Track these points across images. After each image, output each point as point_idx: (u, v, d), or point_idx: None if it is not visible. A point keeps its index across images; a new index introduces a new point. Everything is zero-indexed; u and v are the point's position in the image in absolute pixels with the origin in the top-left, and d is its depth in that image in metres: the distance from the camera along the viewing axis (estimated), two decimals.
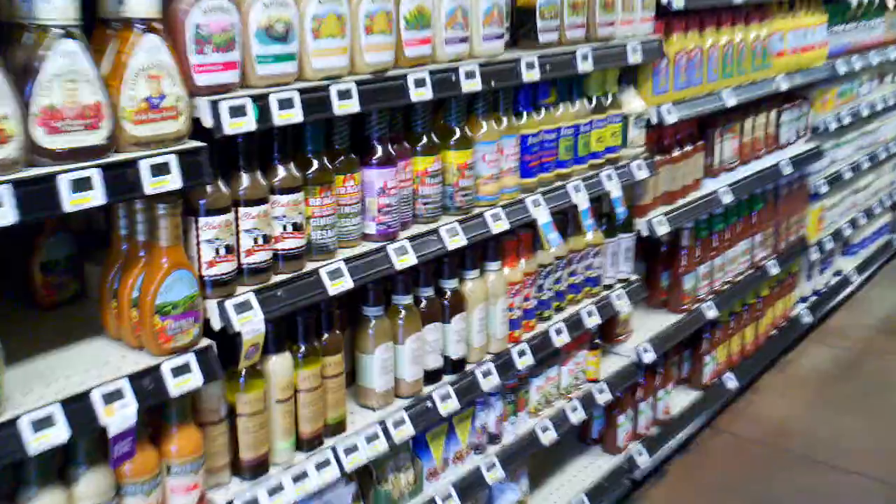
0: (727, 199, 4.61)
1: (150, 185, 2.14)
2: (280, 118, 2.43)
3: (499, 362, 3.38)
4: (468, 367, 3.28)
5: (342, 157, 2.75)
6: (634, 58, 3.75)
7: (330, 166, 2.70)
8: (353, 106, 2.61)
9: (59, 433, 2.03)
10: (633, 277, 4.15)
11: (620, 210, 3.79)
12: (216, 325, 2.38)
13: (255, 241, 2.48)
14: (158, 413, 2.36)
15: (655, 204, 4.24)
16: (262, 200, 2.49)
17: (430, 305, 3.11)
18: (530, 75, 3.23)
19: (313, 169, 2.65)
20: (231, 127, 2.32)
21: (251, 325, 2.42)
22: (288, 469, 2.67)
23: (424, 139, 3.02)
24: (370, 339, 2.93)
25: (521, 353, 3.47)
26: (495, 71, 3.10)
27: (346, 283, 2.68)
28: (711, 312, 4.70)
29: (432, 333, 3.11)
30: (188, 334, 2.29)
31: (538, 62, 3.27)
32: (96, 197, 2.02)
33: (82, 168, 2.01)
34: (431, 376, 3.15)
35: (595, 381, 4.01)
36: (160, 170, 2.16)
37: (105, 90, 2.06)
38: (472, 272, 3.26)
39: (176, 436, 2.36)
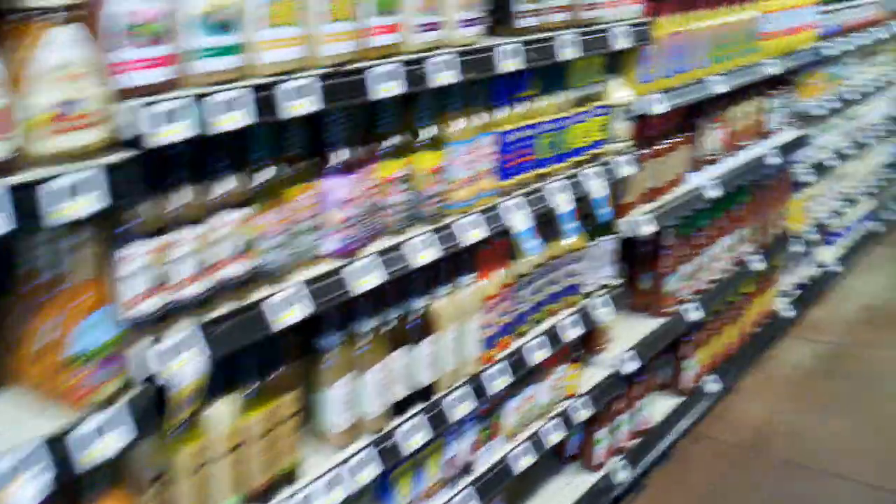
0: (713, 193, 4.31)
1: (65, 210, 1.77)
2: (225, 122, 2.07)
3: (473, 386, 3.06)
4: (439, 394, 2.96)
5: (296, 165, 2.39)
6: (622, 43, 3.42)
7: (282, 176, 2.34)
8: (311, 105, 2.25)
9: None
10: (616, 282, 3.85)
11: (604, 211, 3.47)
12: (147, 371, 2.02)
13: (193, 269, 2.12)
14: (74, 482, 2.01)
15: (639, 202, 3.93)
16: (203, 220, 2.12)
17: (397, 329, 2.78)
18: (510, 64, 2.89)
19: (262, 180, 2.29)
20: (165, 135, 1.95)
21: (189, 368, 2.07)
22: None
23: (391, 141, 2.66)
24: (328, 373, 2.59)
25: (497, 375, 3.15)
26: (471, 61, 2.75)
27: (303, 312, 2.34)
28: (695, 315, 4.42)
29: (399, 360, 2.78)
30: (111, 385, 1.93)
31: (516, 50, 2.92)
32: None
33: None
34: (398, 407, 2.82)
35: (575, 396, 3.71)
36: (77, 189, 1.79)
37: (9, 95, 1.69)
38: (444, 288, 2.93)
39: None
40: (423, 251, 2.70)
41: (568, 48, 3.13)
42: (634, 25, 3.50)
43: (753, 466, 4.47)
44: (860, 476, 4.35)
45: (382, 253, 2.60)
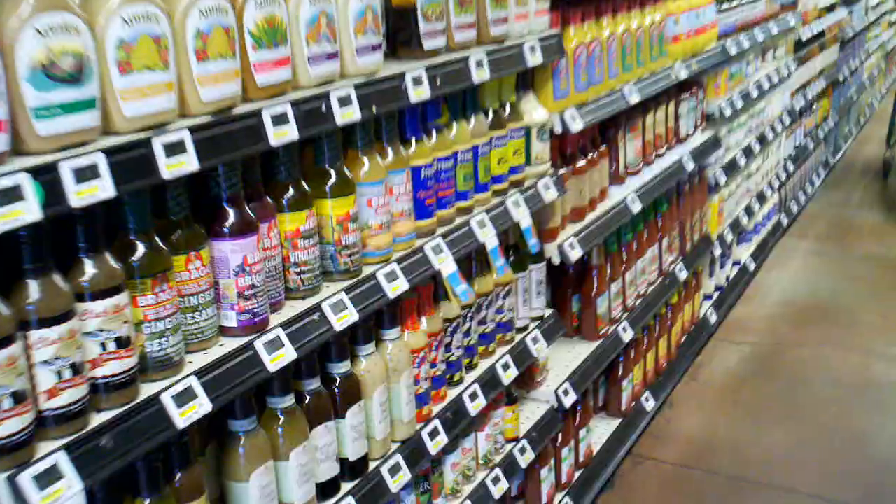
0: (636, 207, 3.99)
1: None
2: (79, 196, 1.61)
3: (407, 451, 2.64)
4: (371, 467, 2.53)
5: (181, 231, 1.95)
6: (534, 59, 3.06)
7: (164, 247, 1.89)
8: (187, 164, 1.81)
9: None
10: (547, 313, 3.48)
11: (533, 242, 3.10)
12: None
13: (60, 374, 1.66)
14: None
15: (564, 224, 3.57)
16: (64, 315, 1.66)
17: (318, 401, 2.34)
18: (419, 93, 2.49)
19: (140, 254, 1.84)
20: (1, 220, 1.49)
21: (64, 500, 1.60)
22: None
23: (291, 190, 2.23)
24: (242, 463, 2.14)
25: (434, 434, 2.74)
26: (376, 92, 2.35)
27: (203, 407, 1.89)
28: (628, 334, 4.09)
29: (324, 436, 2.35)
30: None
31: (426, 76, 2.53)
32: None
33: None
34: (326, 489, 2.39)
35: (515, 439, 3.32)
36: None
37: None
38: (366, 347, 2.50)
39: None
40: (341, 312, 2.27)
41: (482, 69, 2.75)
42: (545, 39, 3.14)
43: (699, 487, 4.17)
44: (808, 488, 4.08)
45: (294, 321, 2.16)
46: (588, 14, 3.53)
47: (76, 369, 1.68)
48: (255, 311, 2.08)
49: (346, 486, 2.44)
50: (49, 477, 1.60)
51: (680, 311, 4.92)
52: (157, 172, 1.76)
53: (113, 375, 1.76)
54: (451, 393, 2.90)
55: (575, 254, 3.45)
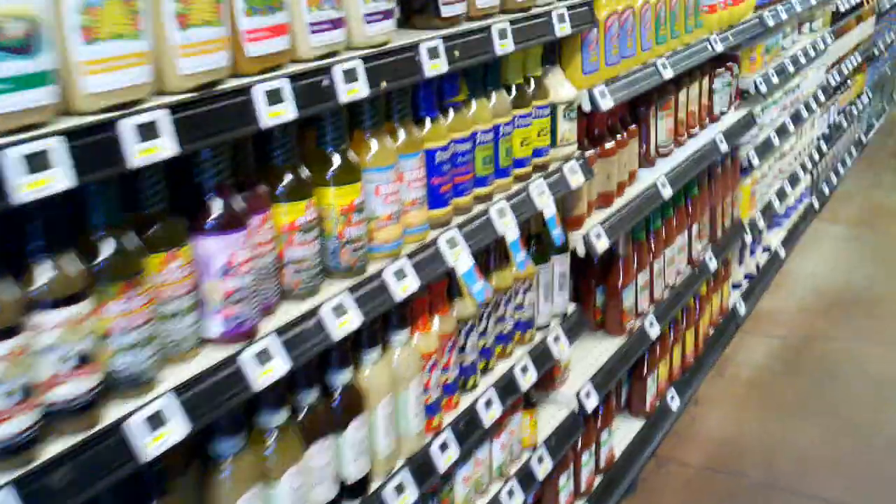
0: (667, 192, 3.72)
1: None
2: (31, 188, 1.36)
3: (415, 467, 2.40)
4: (373, 487, 2.29)
5: (158, 226, 1.70)
6: (563, 28, 2.78)
7: (136, 245, 1.64)
8: (162, 149, 1.56)
9: None
10: (571, 309, 3.23)
11: (557, 232, 2.84)
12: None
13: (7, 398, 1.42)
14: None
15: (591, 210, 3.31)
16: (10, 330, 1.42)
17: (315, 415, 2.10)
18: (435, 66, 2.23)
19: (106, 255, 1.59)
20: None
21: None
22: None
23: (289, 177, 1.98)
24: (226, 489, 1.90)
25: (444, 447, 2.50)
26: (387, 65, 2.08)
27: (176, 432, 1.65)
28: (654, 329, 3.83)
29: (321, 455, 2.11)
30: None
31: (443, 47, 2.26)
32: None
33: None
34: None
35: (532, 447, 3.08)
36: None
37: None
38: (371, 353, 2.26)
39: None
40: (342, 317, 2.02)
41: (506, 39, 2.48)
42: (574, 6, 2.86)
43: (725, 492, 3.93)
44: (842, 496, 3.84)
45: (288, 328, 1.92)
46: None
47: (27, 392, 1.44)
48: (244, 317, 1.83)
49: None
50: None
51: (708, 301, 4.67)
52: (126, 159, 1.50)
53: (71, 399, 1.52)
54: (465, 400, 2.66)
55: (602, 244, 3.19)
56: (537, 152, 2.84)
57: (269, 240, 1.92)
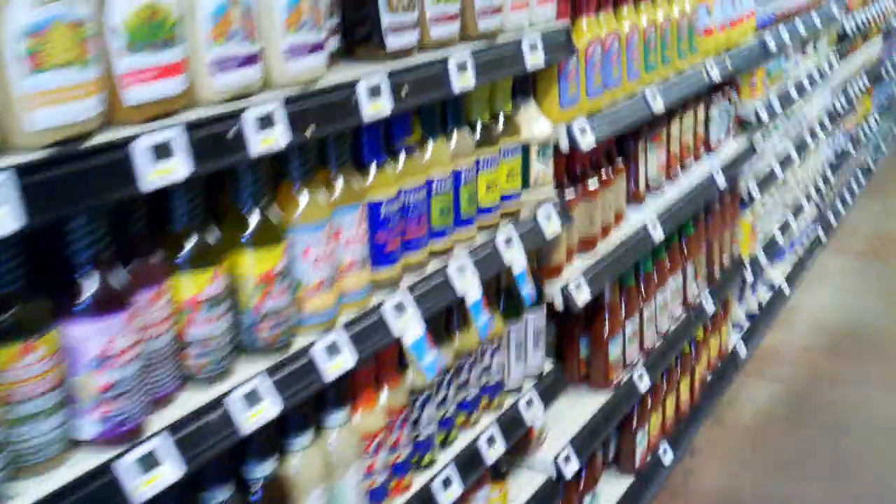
0: (658, 233, 3.40)
1: None
2: None
3: None
4: None
5: (12, 311, 1.39)
6: (534, 59, 2.48)
7: None
8: (7, 222, 1.25)
9: None
10: (547, 368, 2.91)
11: (527, 291, 2.52)
12: None
13: None
14: None
15: (570, 257, 2.99)
16: None
17: None
18: (376, 107, 1.92)
19: None
20: None
21: None
22: None
23: (192, 241, 1.67)
24: None
25: None
26: (315, 108, 1.78)
27: None
28: (644, 382, 3.51)
29: None
30: None
31: (388, 85, 1.95)
32: None
33: None
34: None
35: None
36: None
37: None
38: (300, 438, 1.94)
39: None
40: (256, 405, 1.71)
41: (466, 73, 2.17)
42: (549, 34, 2.56)
43: None
44: None
45: (185, 423, 1.60)
46: (604, 2, 2.94)
47: None
48: (126, 414, 1.52)
49: None
50: None
51: (705, 346, 4.34)
52: None
53: None
54: (420, 480, 2.34)
55: (582, 296, 2.88)
56: (506, 197, 2.53)
57: (163, 318, 1.61)
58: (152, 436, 1.55)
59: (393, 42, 2.02)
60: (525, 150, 2.59)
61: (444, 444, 2.46)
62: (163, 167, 1.47)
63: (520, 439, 2.84)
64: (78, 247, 1.46)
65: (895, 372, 4.95)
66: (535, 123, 2.63)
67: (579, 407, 3.27)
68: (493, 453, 2.54)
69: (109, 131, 1.43)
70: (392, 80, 1.97)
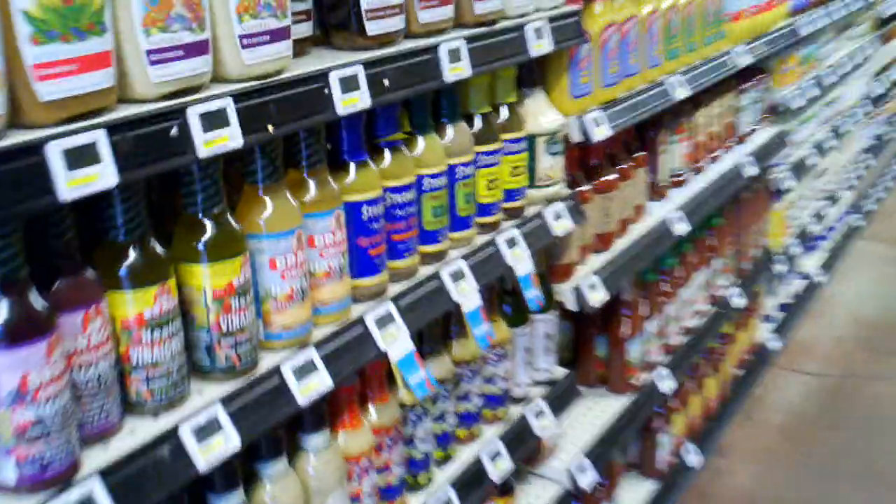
0: (681, 228, 3.11)
1: None
2: None
3: None
4: None
5: None
6: (539, 46, 2.20)
7: None
8: None
9: None
10: (559, 374, 2.65)
11: (532, 295, 2.26)
12: None
13: None
14: None
15: (584, 255, 2.72)
16: None
17: None
18: (351, 101, 1.67)
19: None
20: None
21: None
22: None
23: (134, 254, 1.43)
24: None
25: None
26: (276, 103, 1.53)
27: None
28: (668, 383, 3.23)
29: None
30: None
31: (365, 76, 1.70)
32: None
33: None
34: None
35: None
36: None
37: None
38: (273, 464, 1.71)
39: None
40: (212, 437, 1.48)
41: (459, 62, 1.91)
42: (556, 18, 2.28)
43: None
44: None
45: (123, 464, 1.37)
46: None
47: None
48: (49, 457, 1.29)
49: None
50: None
51: (734, 341, 4.04)
52: None
53: None
54: (414, 502, 2.09)
55: (596, 297, 2.61)
56: (511, 195, 2.27)
57: (100, 342, 1.38)
58: (84, 479, 1.32)
59: (374, 27, 1.77)
60: (531, 143, 2.32)
61: (443, 461, 2.21)
62: (85, 174, 1.23)
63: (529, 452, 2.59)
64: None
65: None
66: (543, 115, 2.36)
67: (596, 411, 3.01)
68: (497, 469, 2.29)
69: (18, 133, 1.20)
70: (371, 70, 1.71)
